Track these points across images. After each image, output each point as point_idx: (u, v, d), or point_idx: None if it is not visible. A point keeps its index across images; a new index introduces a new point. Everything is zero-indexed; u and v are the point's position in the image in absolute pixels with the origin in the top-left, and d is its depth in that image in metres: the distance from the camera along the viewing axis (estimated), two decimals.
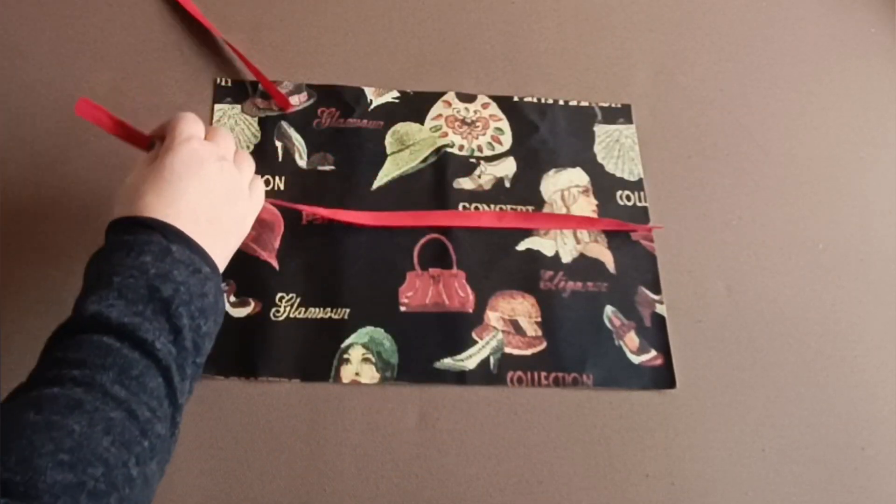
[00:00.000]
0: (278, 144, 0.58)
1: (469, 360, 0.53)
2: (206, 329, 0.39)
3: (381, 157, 0.59)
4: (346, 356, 0.52)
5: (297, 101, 0.60)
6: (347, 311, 0.53)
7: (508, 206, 0.58)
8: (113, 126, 0.46)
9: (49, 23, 0.60)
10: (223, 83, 0.60)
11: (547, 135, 0.61)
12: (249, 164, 0.47)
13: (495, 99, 0.62)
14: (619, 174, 0.61)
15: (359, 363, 0.52)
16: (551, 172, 0.60)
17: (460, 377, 0.52)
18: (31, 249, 0.52)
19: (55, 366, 0.35)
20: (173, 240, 0.39)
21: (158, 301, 0.37)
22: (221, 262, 0.43)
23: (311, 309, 0.53)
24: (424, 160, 0.59)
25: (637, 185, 0.60)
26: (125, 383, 0.34)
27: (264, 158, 0.57)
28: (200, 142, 0.43)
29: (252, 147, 0.58)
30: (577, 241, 0.58)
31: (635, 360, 0.54)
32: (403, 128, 0.60)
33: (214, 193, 0.43)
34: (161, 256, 0.38)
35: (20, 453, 0.30)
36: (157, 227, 0.39)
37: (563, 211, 0.58)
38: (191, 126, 0.44)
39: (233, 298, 0.53)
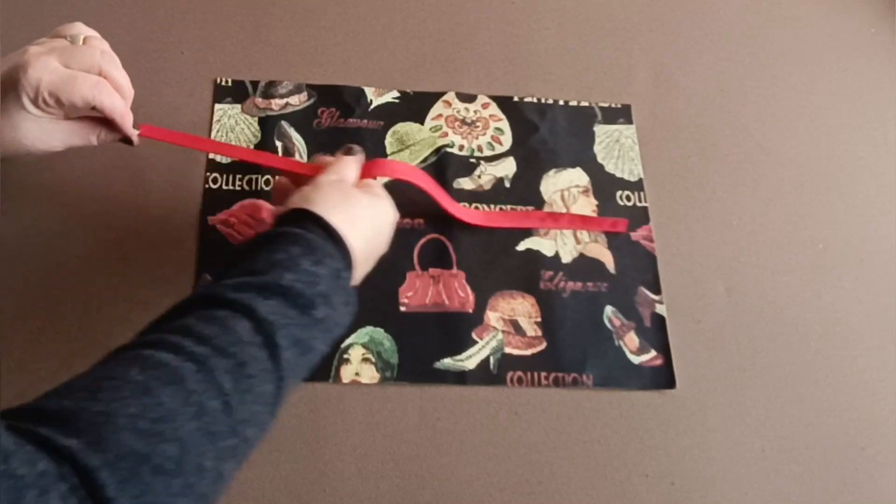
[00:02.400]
0: (278, 144, 0.58)
1: (469, 360, 0.53)
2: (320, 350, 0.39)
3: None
4: (346, 356, 0.52)
5: (297, 101, 0.60)
6: None
7: (508, 207, 0.58)
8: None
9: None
10: (223, 83, 0.60)
11: (547, 135, 0.61)
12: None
13: (495, 99, 0.62)
14: (619, 174, 0.61)
15: (359, 363, 0.52)
16: (551, 172, 0.60)
17: (460, 377, 0.52)
18: (29, 250, 0.52)
19: (180, 332, 0.35)
20: (342, 250, 0.41)
21: (306, 307, 0.38)
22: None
23: None
24: (424, 160, 0.59)
25: (637, 185, 0.60)
26: (236, 378, 0.34)
27: None
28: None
29: (251, 147, 0.58)
30: (577, 242, 0.58)
31: (635, 360, 0.54)
32: (403, 128, 0.60)
33: (382, 234, 0.46)
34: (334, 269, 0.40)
35: (107, 404, 0.30)
36: (337, 239, 0.41)
37: (563, 211, 0.58)
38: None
39: None
